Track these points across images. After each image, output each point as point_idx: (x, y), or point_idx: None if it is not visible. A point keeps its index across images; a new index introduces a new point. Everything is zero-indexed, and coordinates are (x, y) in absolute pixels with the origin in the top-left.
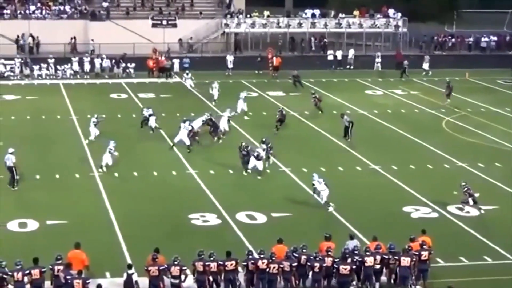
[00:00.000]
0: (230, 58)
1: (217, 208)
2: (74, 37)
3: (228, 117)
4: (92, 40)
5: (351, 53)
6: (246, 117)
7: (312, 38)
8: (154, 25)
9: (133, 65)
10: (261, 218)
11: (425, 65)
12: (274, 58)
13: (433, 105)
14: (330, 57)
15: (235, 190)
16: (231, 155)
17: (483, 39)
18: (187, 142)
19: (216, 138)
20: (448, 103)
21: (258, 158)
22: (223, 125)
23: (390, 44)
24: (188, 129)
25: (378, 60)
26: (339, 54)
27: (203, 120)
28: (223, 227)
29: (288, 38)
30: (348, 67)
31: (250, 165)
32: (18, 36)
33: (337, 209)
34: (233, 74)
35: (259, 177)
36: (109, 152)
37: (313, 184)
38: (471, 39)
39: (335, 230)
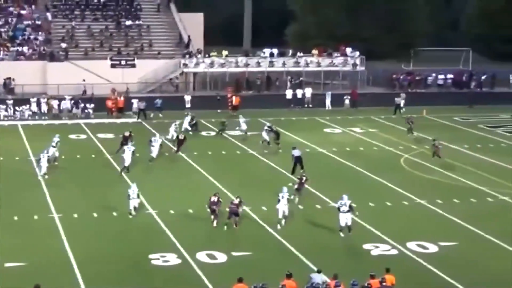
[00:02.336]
0: (187, 98)
1: (177, 247)
2: (8, 78)
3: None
4: (84, 80)
5: (309, 91)
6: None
7: (289, 77)
8: (113, 66)
9: (92, 105)
10: (221, 257)
11: (402, 102)
12: (234, 97)
13: (391, 142)
14: (289, 96)
15: (194, 229)
16: (192, 195)
17: (439, 76)
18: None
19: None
20: (412, 137)
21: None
22: (264, 136)
23: (348, 83)
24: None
25: (347, 97)
26: (299, 93)
27: (161, 145)
28: (183, 267)
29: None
30: (306, 105)
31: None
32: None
33: (297, 247)
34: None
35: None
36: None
37: (279, 196)
38: (430, 77)
39: (296, 268)
